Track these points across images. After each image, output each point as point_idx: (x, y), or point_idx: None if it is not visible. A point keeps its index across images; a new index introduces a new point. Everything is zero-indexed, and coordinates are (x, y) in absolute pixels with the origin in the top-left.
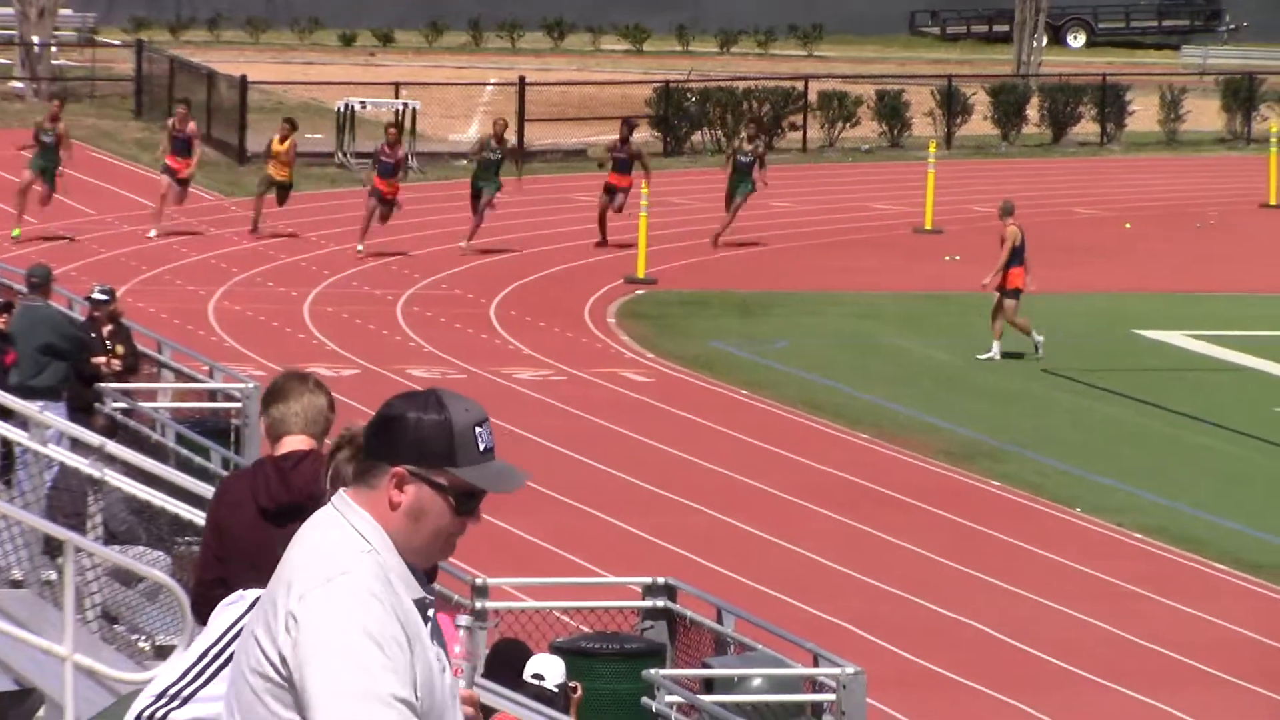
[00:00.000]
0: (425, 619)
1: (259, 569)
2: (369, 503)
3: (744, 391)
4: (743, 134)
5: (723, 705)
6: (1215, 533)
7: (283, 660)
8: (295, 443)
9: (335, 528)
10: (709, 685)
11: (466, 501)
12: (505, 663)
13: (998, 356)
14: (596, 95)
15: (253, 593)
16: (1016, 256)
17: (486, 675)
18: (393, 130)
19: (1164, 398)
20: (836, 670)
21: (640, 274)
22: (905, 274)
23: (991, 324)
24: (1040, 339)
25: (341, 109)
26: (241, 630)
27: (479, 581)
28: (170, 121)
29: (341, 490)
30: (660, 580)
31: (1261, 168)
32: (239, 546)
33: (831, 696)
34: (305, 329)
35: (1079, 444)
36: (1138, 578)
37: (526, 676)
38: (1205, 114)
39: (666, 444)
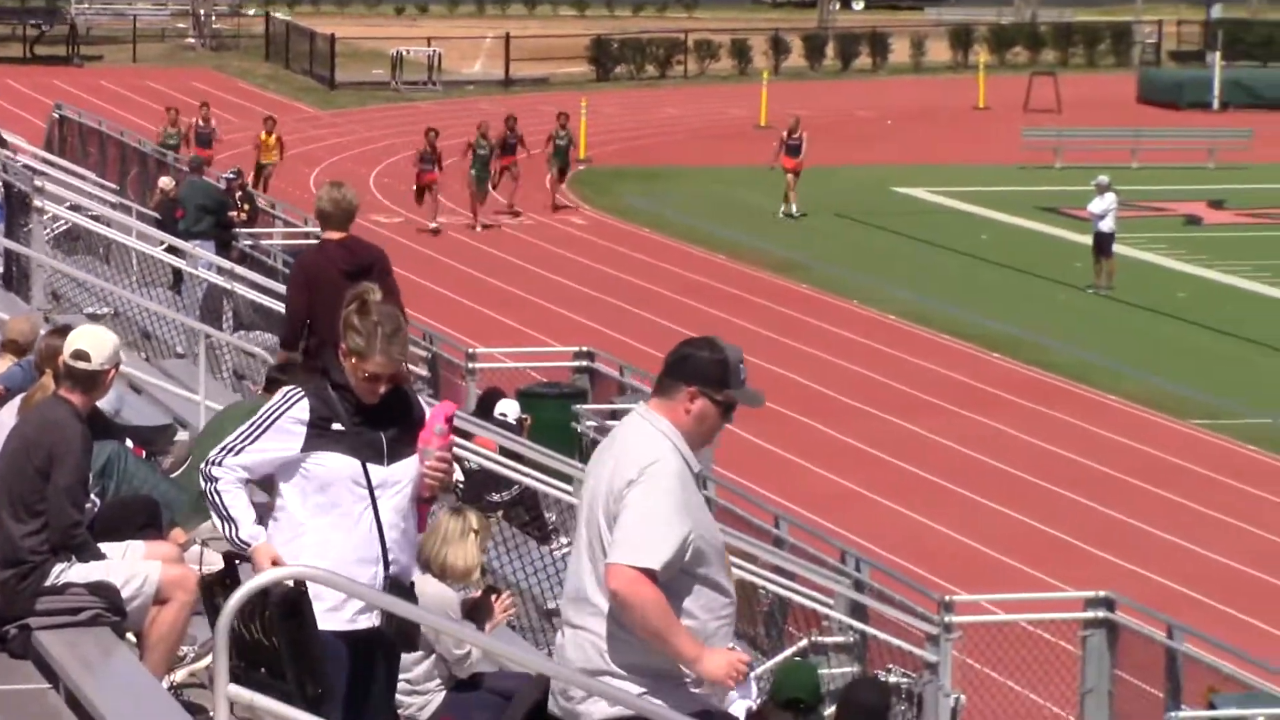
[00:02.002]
0: (700, 484)
1: (335, 308)
2: (668, 410)
3: (646, 230)
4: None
5: None
6: None
7: (616, 515)
8: (337, 234)
9: (646, 430)
10: None
11: (729, 411)
12: (484, 407)
13: None
14: (555, 43)
15: (295, 389)
16: None
17: (475, 414)
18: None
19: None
20: None
21: (582, 155)
22: (748, 156)
23: None
24: None
25: (394, 54)
26: (286, 407)
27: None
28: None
29: (640, 404)
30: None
31: (974, 85)
32: (325, 295)
33: None
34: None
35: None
36: None
37: (495, 414)
38: (939, 51)
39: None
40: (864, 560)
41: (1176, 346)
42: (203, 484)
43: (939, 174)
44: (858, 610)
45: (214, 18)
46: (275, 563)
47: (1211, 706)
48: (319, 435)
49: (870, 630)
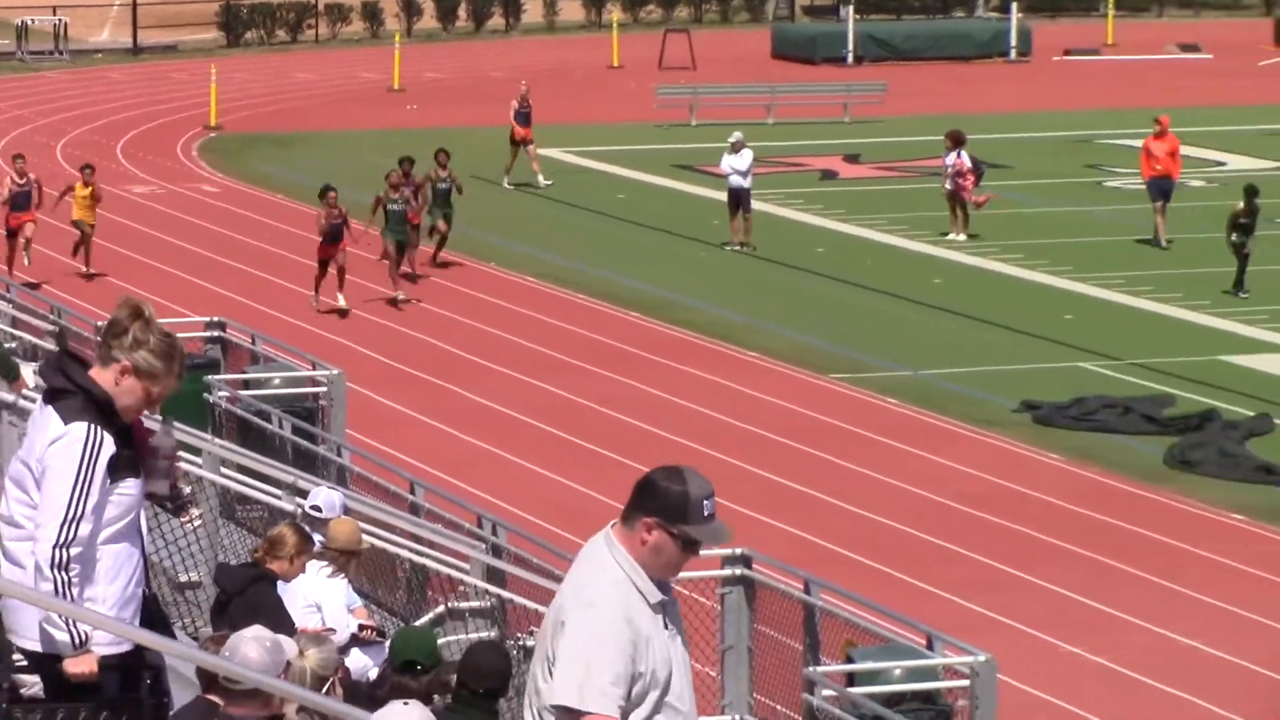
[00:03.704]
0: (663, 613)
1: None
2: (627, 539)
3: (280, 196)
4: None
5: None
6: None
7: (554, 651)
8: None
9: (604, 559)
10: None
11: (690, 546)
12: None
13: None
14: (184, 9)
15: (91, 426)
16: None
17: None
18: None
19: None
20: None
21: (213, 122)
22: (382, 119)
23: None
24: None
25: (18, 23)
26: (97, 450)
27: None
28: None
29: (610, 527)
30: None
31: (608, 44)
32: None
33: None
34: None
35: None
36: None
37: None
38: (572, 10)
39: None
40: (501, 524)
41: (816, 302)
42: (48, 570)
43: (574, 134)
44: (495, 575)
45: None
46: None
47: (849, 660)
48: (115, 464)
49: (506, 594)
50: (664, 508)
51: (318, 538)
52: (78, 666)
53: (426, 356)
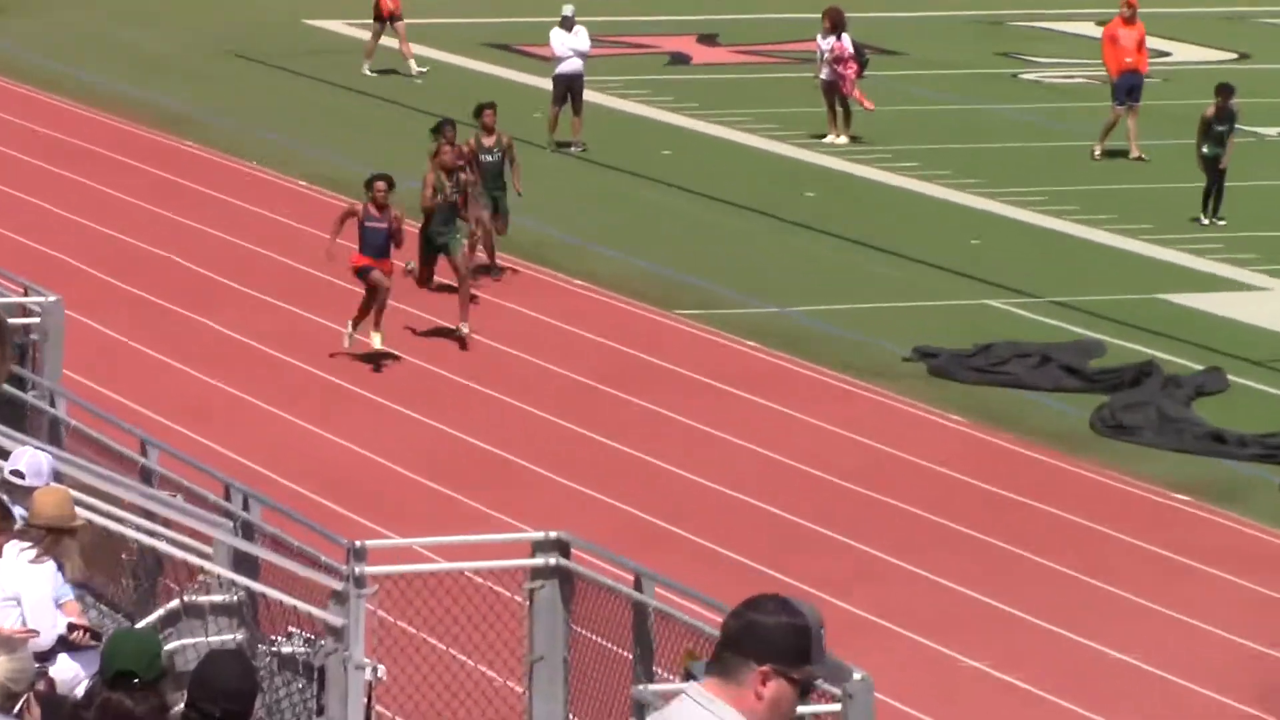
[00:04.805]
0: None
1: None
2: (734, 698)
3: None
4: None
5: None
6: None
7: None
8: None
9: None
10: None
11: (808, 690)
12: None
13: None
14: None
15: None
16: None
17: None
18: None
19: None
20: None
21: None
22: None
23: None
24: None
25: None
26: None
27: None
28: None
29: (698, 685)
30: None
31: None
32: None
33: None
34: None
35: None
36: None
37: None
38: None
39: None
40: (254, 496)
41: (661, 218)
42: None
43: (361, 1)
44: (245, 561)
45: None
46: None
47: (689, 676)
48: None
49: (258, 586)
50: (780, 650)
51: (19, 511)
52: None
53: (169, 277)
